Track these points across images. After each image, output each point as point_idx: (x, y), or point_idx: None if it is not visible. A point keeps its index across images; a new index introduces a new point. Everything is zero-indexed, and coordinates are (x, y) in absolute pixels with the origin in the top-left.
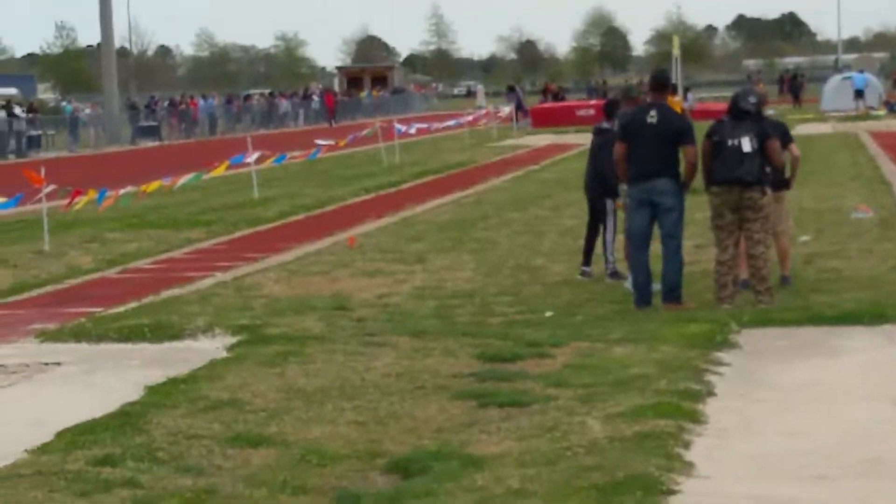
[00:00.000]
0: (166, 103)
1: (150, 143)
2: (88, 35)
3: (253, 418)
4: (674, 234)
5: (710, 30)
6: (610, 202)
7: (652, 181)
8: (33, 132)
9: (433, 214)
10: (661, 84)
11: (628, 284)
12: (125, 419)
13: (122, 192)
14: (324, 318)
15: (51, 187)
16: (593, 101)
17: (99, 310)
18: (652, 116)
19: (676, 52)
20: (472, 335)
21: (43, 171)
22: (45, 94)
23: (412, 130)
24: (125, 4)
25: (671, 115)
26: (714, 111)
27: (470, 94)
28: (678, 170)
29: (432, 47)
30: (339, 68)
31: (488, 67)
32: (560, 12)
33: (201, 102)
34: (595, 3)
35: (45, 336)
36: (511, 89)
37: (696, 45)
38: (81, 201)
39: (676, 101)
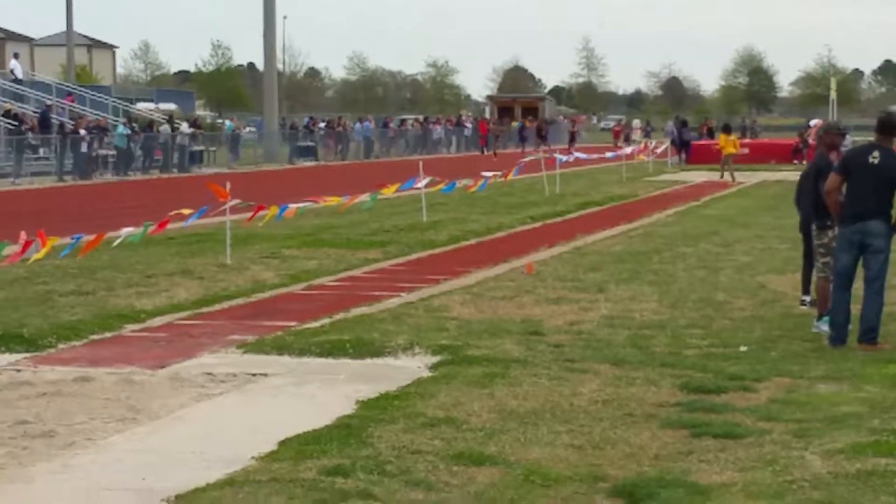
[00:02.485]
0: (323, 124)
1: (306, 163)
2: (242, 54)
3: (472, 437)
4: (879, 276)
5: (857, 73)
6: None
7: (866, 222)
8: (195, 148)
9: (604, 245)
10: (888, 126)
11: (821, 326)
12: (348, 431)
13: (300, 205)
14: (521, 343)
15: (235, 201)
16: (747, 140)
17: (293, 324)
18: (874, 157)
19: (833, 94)
20: (670, 366)
21: (228, 185)
22: (200, 110)
23: (572, 159)
24: (280, 26)
25: (893, 159)
26: None
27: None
28: (891, 213)
29: (581, 80)
30: (489, 97)
31: (633, 102)
32: (710, 50)
33: (357, 125)
34: (746, 43)
35: (247, 347)
36: (684, 125)
37: (844, 89)
38: (266, 216)
39: None
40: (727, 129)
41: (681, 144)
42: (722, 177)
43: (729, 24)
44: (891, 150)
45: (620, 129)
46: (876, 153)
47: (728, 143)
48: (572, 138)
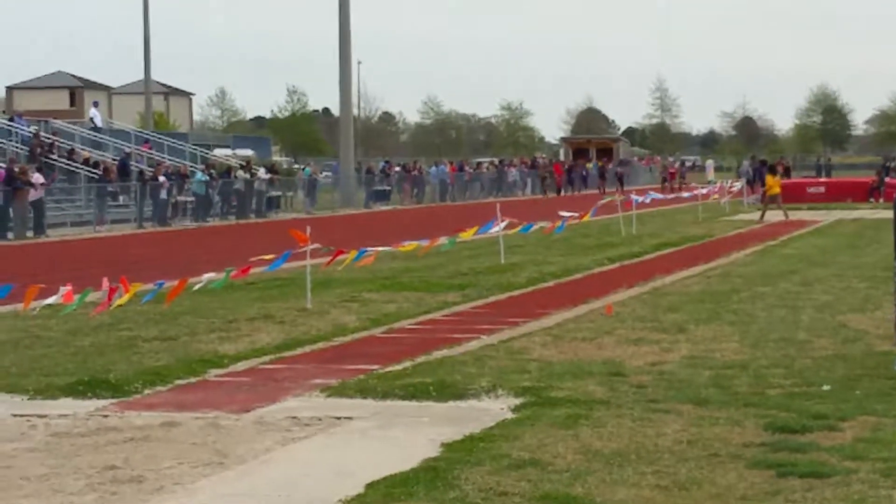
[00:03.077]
0: (398, 168)
1: (382, 207)
2: (317, 100)
3: (557, 478)
4: None
5: None
6: None
7: None
8: (272, 193)
9: (682, 286)
10: None
11: None
12: (434, 474)
13: (379, 249)
14: (603, 384)
15: (315, 246)
16: (823, 179)
17: (375, 367)
18: None
19: None
20: (754, 405)
21: (309, 230)
22: (276, 156)
23: (648, 200)
24: (355, 71)
25: None
26: None
27: (695, 167)
28: None
29: (654, 120)
30: (563, 139)
31: (706, 142)
32: (784, 89)
33: (433, 169)
34: (820, 82)
35: (331, 391)
36: (763, 164)
37: None
38: (346, 260)
39: None
40: (773, 170)
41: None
42: (786, 216)
43: (803, 63)
44: None
45: (676, 171)
46: None
47: (774, 184)
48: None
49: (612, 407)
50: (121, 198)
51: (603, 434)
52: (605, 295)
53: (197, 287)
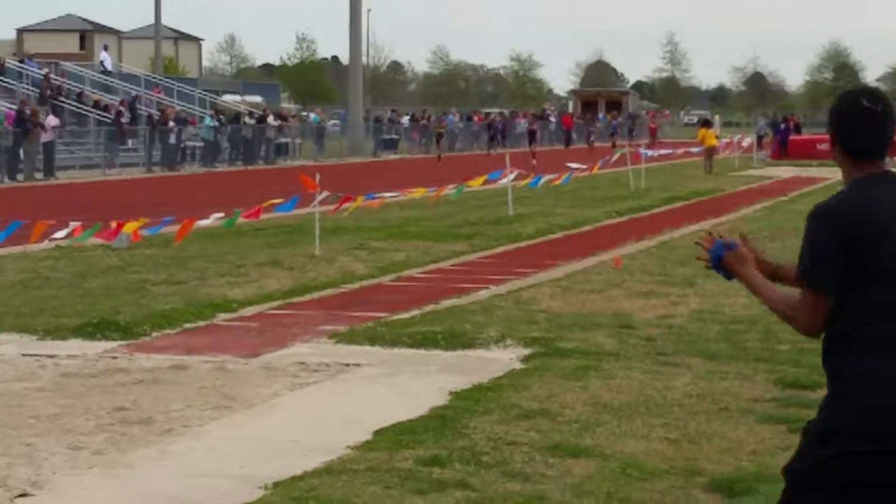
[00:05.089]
0: (407, 118)
1: (390, 156)
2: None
3: (567, 429)
4: None
5: None
6: None
7: None
8: (281, 140)
9: (691, 240)
10: None
11: None
12: (442, 422)
13: (387, 195)
14: (612, 336)
15: (324, 194)
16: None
17: (383, 315)
18: None
19: None
20: (764, 360)
21: (318, 176)
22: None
23: (656, 155)
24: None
25: None
26: None
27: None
28: None
29: (665, 74)
30: (573, 91)
31: (716, 97)
32: (795, 45)
33: (444, 117)
34: (833, 38)
35: (339, 337)
36: (785, 120)
37: None
38: (351, 207)
39: None
40: (707, 124)
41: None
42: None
43: (815, 19)
44: None
45: (656, 128)
46: None
47: (709, 136)
48: (653, 133)
49: (621, 359)
50: (129, 142)
51: (612, 386)
52: (614, 247)
53: (205, 224)
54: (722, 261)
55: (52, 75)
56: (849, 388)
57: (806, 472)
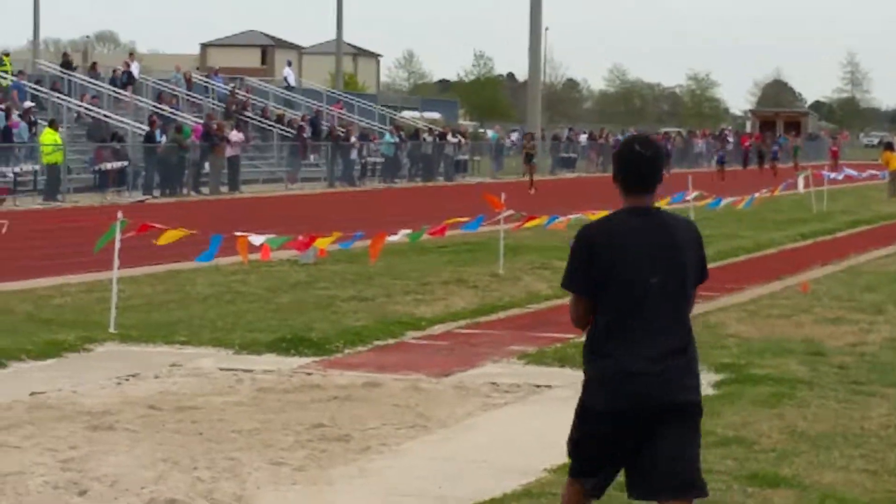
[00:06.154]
0: (584, 136)
1: (568, 174)
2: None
3: (764, 458)
4: None
5: None
6: None
7: None
8: (460, 157)
9: (878, 265)
10: None
11: None
12: None
13: (571, 217)
14: (804, 363)
15: (509, 212)
16: None
17: (571, 336)
18: None
19: None
20: None
21: (503, 196)
22: (461, 119)
23: (840, 177)
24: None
25: None
26: None
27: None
28: None
29: (845, 95)
30: (751, 111)
31: None
32: None
33: (619, 137)
34: None
35: (529, 358)
36: None
37: None
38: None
39: None
40: (890, 147)
41: None
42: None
43: None
44: None
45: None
46: None
47: (893, 160)
48: (835, 156)
49: (815, 387)
50: (311, 157)
51: (807, 415)
52: (800, 271)
53: (390, 240)
54: None
55: (237, 90)
56: None
57: None
